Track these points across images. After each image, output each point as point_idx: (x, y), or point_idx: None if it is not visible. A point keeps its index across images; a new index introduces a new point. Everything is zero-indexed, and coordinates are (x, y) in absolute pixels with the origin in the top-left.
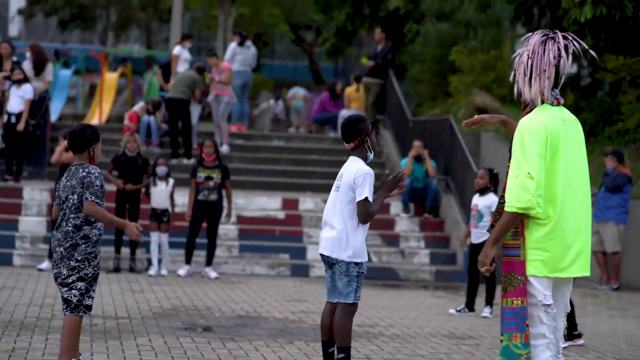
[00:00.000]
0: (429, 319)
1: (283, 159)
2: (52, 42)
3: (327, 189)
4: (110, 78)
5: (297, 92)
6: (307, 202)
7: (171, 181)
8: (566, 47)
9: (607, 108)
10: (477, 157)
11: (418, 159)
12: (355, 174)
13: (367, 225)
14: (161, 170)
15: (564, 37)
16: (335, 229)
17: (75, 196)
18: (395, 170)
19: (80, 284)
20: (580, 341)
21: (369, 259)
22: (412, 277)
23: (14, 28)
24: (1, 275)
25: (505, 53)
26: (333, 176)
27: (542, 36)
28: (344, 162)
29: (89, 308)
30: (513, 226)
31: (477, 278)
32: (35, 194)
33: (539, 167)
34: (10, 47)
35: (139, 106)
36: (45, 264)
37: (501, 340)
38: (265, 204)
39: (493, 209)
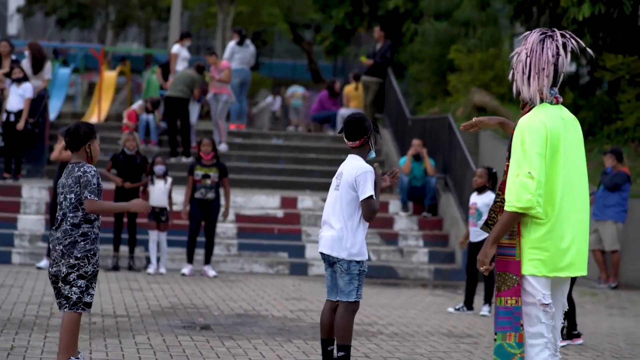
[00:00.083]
0: (428, 318)
1: (282, 157)
2: (50, 41)
3: (326, 187)
4: (109, 76)
5: (296, 91)
6: (305, 201)
7: (169, 179)
8: (564, 45)
9: (606, 107)
10: (476, 156)
11: (417, 158)
12: (356, 173)
13: (367, 223)
14: (159, 169)
15: (562, 35)
16: (335, 228)
17: (73, 195)
18: (394, 168)
19: (80, 282)
20: (579, 341)
21: (368, 258)
22: (411, 275)
23: (13, 26)
24: (0, 273)
25: (504, 51)
26: (332, 175)
27: (540, 34)
28: (343, 160)
29: (88, 305)
30: (513, 226)
31: (475, 277)
32: (34, 192)
33: (540, 166)
34: (9, 45)
35: (137, 104)
36: (44, 262)
37: (495, 340)
38: (264, 203)
39: None
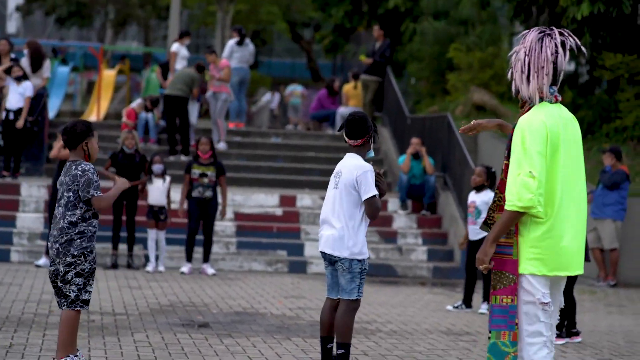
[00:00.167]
0: (427, 316)
1: (281, 155)
2: (50, 39)
3: (324, 185)
4: (108, 75)
5: (295, 89)
6: (304, 199)
7: (168, 178)
8: (563, 44)
9: (605, 105)
10: (475, 155)
11: (416, 156)
12: (357, 173)
13: (368, 222)
14: (157, 167)
15: (561, 34)
16: (336, 227)
17: (71, 193)
18: (394, 171)
19: (78, 280)
20: (578, 339)
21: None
22: (410, 273)
23: (12, 25)
24: None
25: (503, 50)
26: (331, 173)
27: (539, 33)
28: (341, 159)
29: (86, 303)
30: (513, 225)
31: (474, 274)
32: (32, 191)
33: (540, 165)
34: (8, 44)
35: (136, 103)
36: (43, 260)
37: (489, 338)
38: (263, 201)
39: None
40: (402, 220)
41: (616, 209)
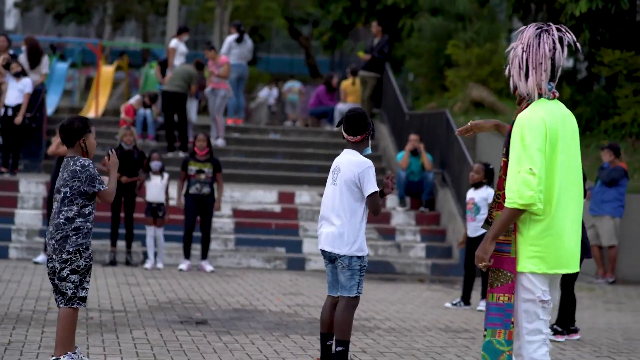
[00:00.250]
0: (425, 313)
1: (279, 152)
2: (48, 35)
3: (323, 182)
4: (107, 71)
5: (293, 86)
6: (303, 196)
7: (166, 175)
8: (561, 40)
9: (603, 102)
10: (473, 151)
11: (414, 153)
12: (358, 171)
13: (366, 218)
14: (155, 164)
15: (558, 29)
16: (336, 224)
17: (68, 189)
18: (392, 168)
19: (73, 277)
20: (577, 336)
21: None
22: (408, 270)
23: (11, 21)
24: None
25: (501, 47)
26: (329, 169)
27: (537, 29)
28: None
29: (83, 300)
30: (513, 222)
31: (473, 271)
32: (31, 187)
33: (540, 162)
34: (6, 40)
35: (135, 99)
36: (41, 257)
37: (484, 336)
38: (262, 198)
39: (490, 201)
40: (400, 217)
41: (615, 205)
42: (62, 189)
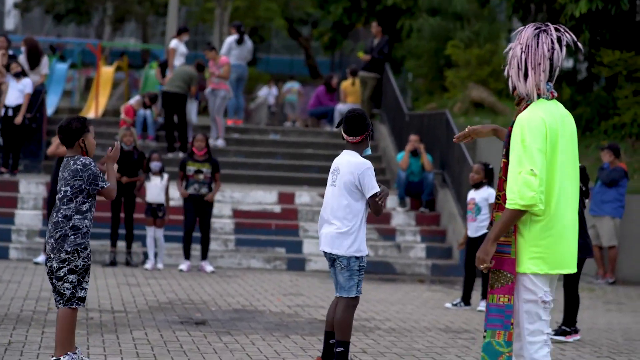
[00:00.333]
0: (425, 313)
1: (279, 152)
2: (48, 36)
3: (323, 182)
4: (106, 72)
5: (292, 87)
6: (303, 196)
7: (165, 176)
8: (559, 39)
9: (603, 102)
10: (473, 152)
11: (414, 153)
12: (358, 172)
13: (365, 219)
14: (155, 165)
15: (556, 29)
16: (334, 224)
17: (69, 188)
18: (392, 168)
19: (71, 277)
20: (577, 337)
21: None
22: (408, 271)
23: (10, 22)
24: None
25: (501, 47)
26: (329, 170)
27: (535, 29)
28: None
29: (82, 300)
30: (514, 223)
31: (473, 272)
32: (31, 188)
33: (541, 163)
34: (6, 40)
35: (135, 100)
36: (41, 258)
37: (484, 337)
38: (262, 198)
39: (491, 201)
40: (400, 218)
41: (615, 206)
42: (63, 189)
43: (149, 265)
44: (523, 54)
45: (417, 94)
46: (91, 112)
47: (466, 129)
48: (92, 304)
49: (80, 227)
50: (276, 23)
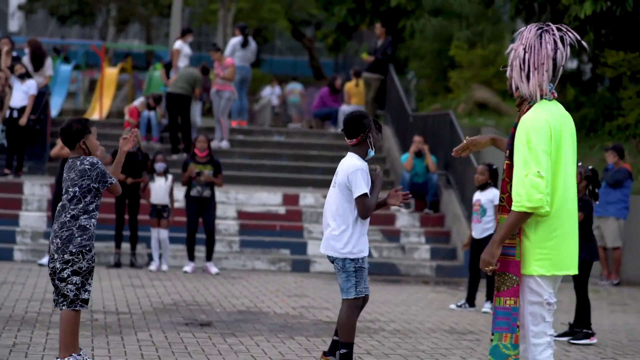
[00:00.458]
0: (430, 314)
1: (283, 154)
2: (52, 38)
3: (327, 184)
4: (111, 73)
5: (295, 88)
6: (307, 198)
7: (170, 177)
8: (562, 39)
9: (607, 103)
10: (477, 153)
11: (418, 154)
12: (348, 172)
13: (367, 220)
14: (159, 166)
15: (559, 29)
16: (331, 226)
17: (77, 188)
18: (396, 169)
19: (75, 278)
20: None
21: (370, 254)
22: (413, 272)
23: (14, 24)
24: (2, 270)
25: (504, 48)
26: (334, 171)
27: (537, 29)
28: (344, 157)
29: (85, 302)
30: (520, 225)
31: (478, 273)
32: (35, 189)
33: (547, 164)
34: (10, 42)
35: (139, 101)
36: (46, 259)
37: (491, 340)
38: (266, 199)
39: (496, 202)
40: (404, 219)
41: (619, 207)
42: (71, 189)
43: (153, 266)
44: (526, 54)
45: (421, 95)
46: (95, 114)
47: (464, 141)
48: (96, 305)
49: (88, 226)
50: (280, 24)
